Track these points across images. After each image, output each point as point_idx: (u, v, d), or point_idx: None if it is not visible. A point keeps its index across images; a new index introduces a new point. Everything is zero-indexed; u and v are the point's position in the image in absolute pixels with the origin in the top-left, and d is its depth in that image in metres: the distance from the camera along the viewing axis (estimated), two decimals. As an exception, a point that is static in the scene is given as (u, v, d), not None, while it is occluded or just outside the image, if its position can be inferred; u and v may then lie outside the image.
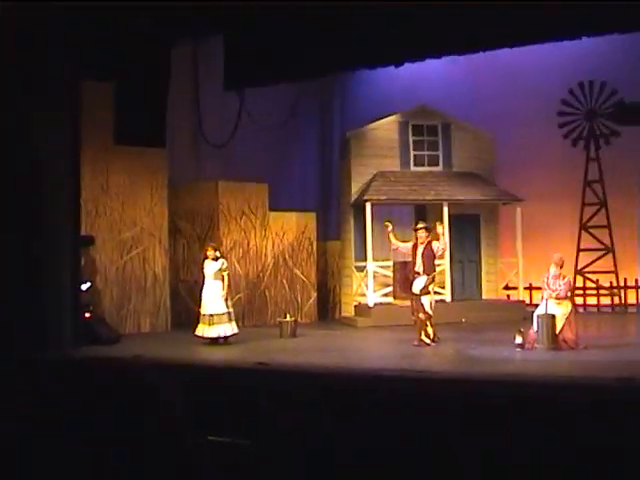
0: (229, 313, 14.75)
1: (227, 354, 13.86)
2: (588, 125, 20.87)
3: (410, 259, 14.48)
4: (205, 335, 14.61)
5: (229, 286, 15.14)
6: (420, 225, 14.75)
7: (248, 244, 18.84)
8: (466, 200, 19.22)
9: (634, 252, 19.93)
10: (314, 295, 19.67)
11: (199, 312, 14.87)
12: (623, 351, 12.78)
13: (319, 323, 19.15)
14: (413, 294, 14.14)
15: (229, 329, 14.69)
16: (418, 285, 14.08)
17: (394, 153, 19.63)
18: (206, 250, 15.25)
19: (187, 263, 18.57)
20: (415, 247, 14.34)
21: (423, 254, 14.16)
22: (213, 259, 14.93)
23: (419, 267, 14.14)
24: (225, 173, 19.30)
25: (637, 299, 20.06)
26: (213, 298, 14.68)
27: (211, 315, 14.58)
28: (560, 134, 20.83)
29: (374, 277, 18.43)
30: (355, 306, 19.13)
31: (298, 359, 12.59)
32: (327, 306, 20.53)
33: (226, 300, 14.79)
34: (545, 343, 12.76)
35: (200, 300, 14.96)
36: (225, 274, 14.89)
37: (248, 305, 18.69)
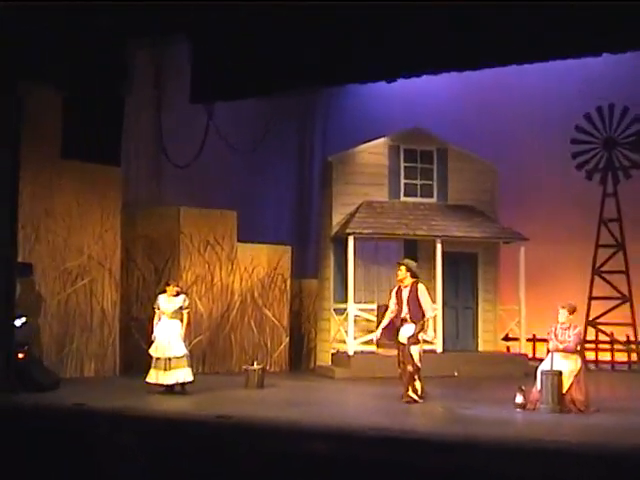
0: (187, 356, 14.68)
1: (184, 405, 13.76)
2: (606, 155, 20.88)
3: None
4: (159, 382, 14.50)
5: (189, 326, 15.06)
6: (400, 261, 14.69)
7: (212, 279, 18.81)
8: (462, 237, 19.19)
9: (655, 301, 19.94)
10: (286, 340, 19.67)
11: (150, 355, 14.73)
12: (640, 416, 12.69)
13: (291, 373, 19.16)
14: (400, 343, 13.98)
15: (188, 375, 14.59)
16: (405, 333, 13.89)
17: (382, 181, 19.65)
18: (166, 284, 15.16)
19: (141, 299, 18.37)
20: (399, 291, 14.17)
21: (409, 299, 13.98)
22: (173, 294, 14.82)
23: (405, 314, 13.99)
24: (189, 197, 19.26)
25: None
26: (171, 339, 14.56)
27: (169, 359, 14.48)
28: (573, 165, 20.85)
29: (355, 321, 18.36)
30: (332, 354, 19.05)
31: (265, 413, 12.41)
32: (300, 353, 20.49)
33: (184, 341, 14.70)
34: (550, 404, 12.61)
35: (152, 341, 14.81)
36: (186, 312, 14.83)
37: (210, 349, 18.61)
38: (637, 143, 20.33)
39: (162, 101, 19.43)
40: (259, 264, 19.42)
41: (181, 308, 14.79)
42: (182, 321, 14.73)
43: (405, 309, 13.97)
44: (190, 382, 14.61)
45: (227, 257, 19.02)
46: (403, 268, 14.20)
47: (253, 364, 16.19)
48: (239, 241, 19.21)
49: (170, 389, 14.49)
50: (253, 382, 15.61)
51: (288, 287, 19.80)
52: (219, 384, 15.81)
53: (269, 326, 19.43)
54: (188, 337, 15.05)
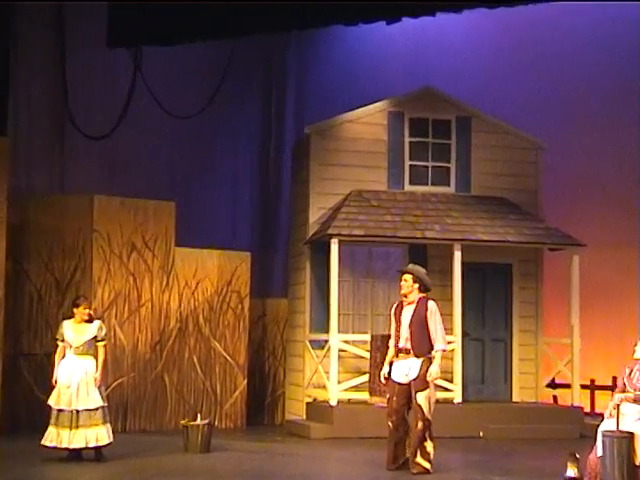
0: (104, 409, 14.46)
1: (97, 477, 13.55)
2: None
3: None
4: (62, 445, 14.30)
5: (105, 365, 14.91)
6: (403, 268, 14.41)
7: (139, 298, 18.83)
8: (491, 242, 19.10)
9: None
10: (243, 384, 19.71)
11: (50, 407, 14.46)
12: None
13: (249, 430, 19.24)
14: (396, 384, 13.69)
15: (103, 436, 14.38)
16: (405, 371, 13.61)
17: (379, 162, 19.71)
18: (74, 305, 14.86)
19: (36, 325, 18.34)
20: (399, 309, 13.89)
21: (412, 322, 13.67)
22: (84, 320, 14.58)
23: (405, 341, 13.67)
24: (106, 182, 19.43)
25: None
26: (80, 384, 14.34)
27: (76, 411, 14.27)
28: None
29: (340, 359, 18.29)
30: (308, 404, 19.07)
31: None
32: (263, 403, 20.60)
33: (99, 388, 14.47)
34: (617, 478, 12.19)
35: (53, 387, 14.56)
36: (102, 345, 14.63)
37: (135, 397, 18.63)
38: None
39: (68, 46, 19.35)
40: (206, 277, 19.46)
41: (95, 339, 14.53)
42: (97, 358, 14.48)
43: (406, 334, 13.65)
44: (107, 445, 14.42)
45: (161, 267, 19.05)
46: (409, 277, 13.89)
47: (196, 418, 15.99)
48: (178, 245, 19.19)
49: (77, 455, 14.32)
50: (195, 444, 15.57)
51: (246, 310, 19.83)
52: (147, 447, 15.90)
53: (219, 364, 19.46)
54: (104, 381, 14.90)
